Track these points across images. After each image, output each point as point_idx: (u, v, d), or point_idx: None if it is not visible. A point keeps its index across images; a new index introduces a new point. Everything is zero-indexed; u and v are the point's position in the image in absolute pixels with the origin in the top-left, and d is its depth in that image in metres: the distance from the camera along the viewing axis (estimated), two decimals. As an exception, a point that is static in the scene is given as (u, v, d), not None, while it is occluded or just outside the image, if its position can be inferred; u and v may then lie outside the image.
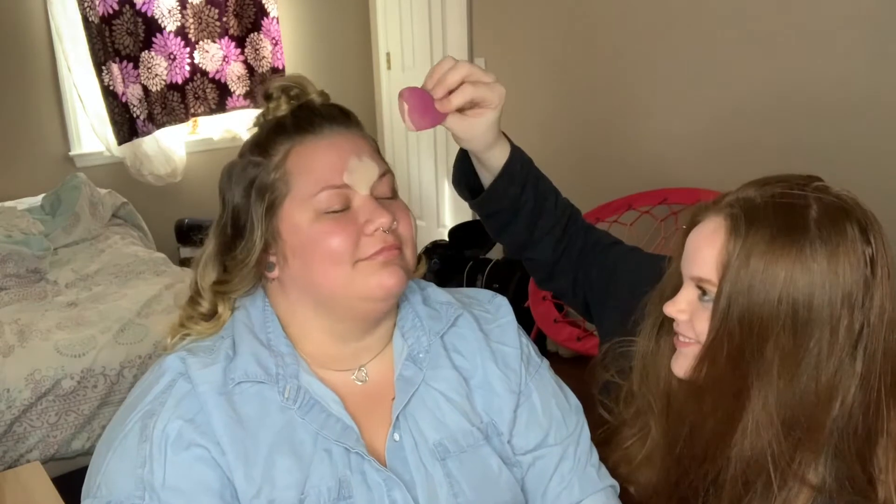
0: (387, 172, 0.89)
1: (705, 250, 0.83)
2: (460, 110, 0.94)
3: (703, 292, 0.84)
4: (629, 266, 1.08)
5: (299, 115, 0.88)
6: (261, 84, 3.88)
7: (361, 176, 0.85)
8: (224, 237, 0.89)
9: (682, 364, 0.88)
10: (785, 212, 0.79)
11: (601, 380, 1.02)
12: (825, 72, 2.26)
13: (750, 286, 0.79)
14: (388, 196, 0.89)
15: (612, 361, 1.01)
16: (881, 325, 0.80)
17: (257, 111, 3.54)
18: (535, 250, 1.10)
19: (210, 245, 0.90)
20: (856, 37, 2.17)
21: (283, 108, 0.89)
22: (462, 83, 0.91)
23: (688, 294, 0.86)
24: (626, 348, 0.99)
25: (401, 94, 0.90)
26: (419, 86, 0.92)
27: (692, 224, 0.88)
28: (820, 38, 2.26)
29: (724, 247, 0.81)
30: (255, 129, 0.92)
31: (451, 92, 0.91)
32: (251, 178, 0.86)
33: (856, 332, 0.79)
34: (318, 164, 0.85)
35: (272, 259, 0.87)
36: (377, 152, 0.90)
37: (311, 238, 0.83)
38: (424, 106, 0.91)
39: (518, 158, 1.03)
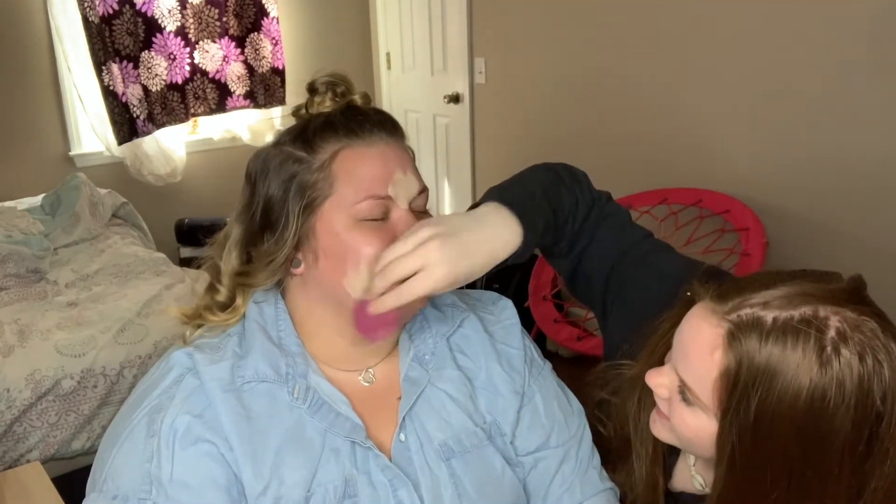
0: (424, 189, 0.89)
1: (696, 365, 0.77)
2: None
3: (684, 394, 0.80)
4: (639, 283, 1.01)
5: (350, 117, 0.87)
6: (261, 84, 3.88)
7: (404, 190, 0.86)
8: (251, 226, 0.88)
9: (658, 430, 0.87)
10: (794, 350, 0.70)
11: (596, 397, 1.01)
12: (831, 76, 2.26)
13: (753, 440, 0.73)
14: (422, 211, 0.89)
15: (608, 381, 1.00)
16: (886, 481, 0.73)
17: (257, 111, 3.55)
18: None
19: (235, 231, 0.89)
20: (858, 36, 2.17)
21: (328, 105, 0.88)
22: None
23: (673, 377, 0.81)
24: (621, 370, 0.98)
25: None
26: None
27: (692, 300, 0.81)
28: (822, 40, 2.26)
29: (718, 381, 0.74)
30: (278, 125, 0.91)
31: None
32: (292, 173, 0.85)
33: (854, 490, 0.74)
34: (364, 173, 0.84)
35: (299, 256, 0.87)
36: (415, 166, 0.90)
37: (347, 244, 0.83)
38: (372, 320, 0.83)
39: (538, 233, 0.91)
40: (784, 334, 0.71)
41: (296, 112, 0.91)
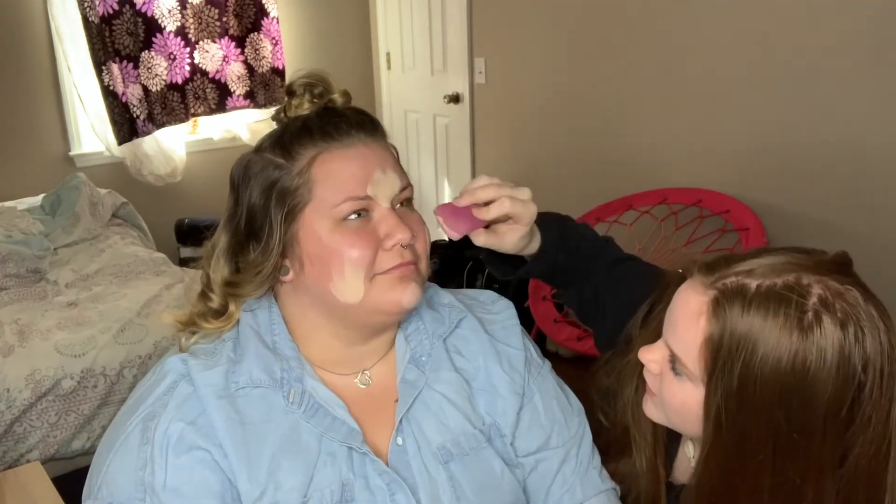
0: (407, 186, 0.88)
1: (683, 333, 0.78)
2: (492, 224, 0.94)
3: (674, 365, 0.81)
4: (625, 287, 1.05)
5: (326, 119, 0.86)
6: (261, 84, 3.88)
7: (384, 189, 0.85)
8: (237, 234, 0.87)
9: (649, 410, 0.88)
10: (776, 315, 0.72)
11: (602, 386, 1.01)
12: (832, 75, 2.26)
13: (738, 403, 0.75)
14: (407, 209, 0.89)
15: (613, 369, 1.00)
16: (869, 448, 0.74)
17: (257, 111, 3.56)
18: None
19: (222, 239, 0.89)
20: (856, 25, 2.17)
21: (306, 107, 0.87)
22: (499, 198, 0.91)
23: (664, 350, 0.82)
24: (627, 358, 0.98)
25: (435, 211, 0.93)
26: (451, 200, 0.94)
27: (682, 276, 0.82)
28: (823, 38, 2.26)
29: (703, 347, 0.76)
30: (275, 125, 0.90)
31: (487, 204, 0.92)
32: (272, 181, 0.84)
33: (838, 456, 0.75)
34: (343, 175, 0.83)
35: (287, 263, 0.86)
36: (398, 163, 0.89)
37: (331, 248, 0.83)
38: (457, 215, 0.92)
39: (551, 246, 1.01)
40: (767, 300, 0.73)
41: (275, 116, 0.90)
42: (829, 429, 0.73)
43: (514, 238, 0.95)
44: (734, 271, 0.76)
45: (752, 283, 0.74)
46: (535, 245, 1.00)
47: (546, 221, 1.01)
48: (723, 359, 0.75)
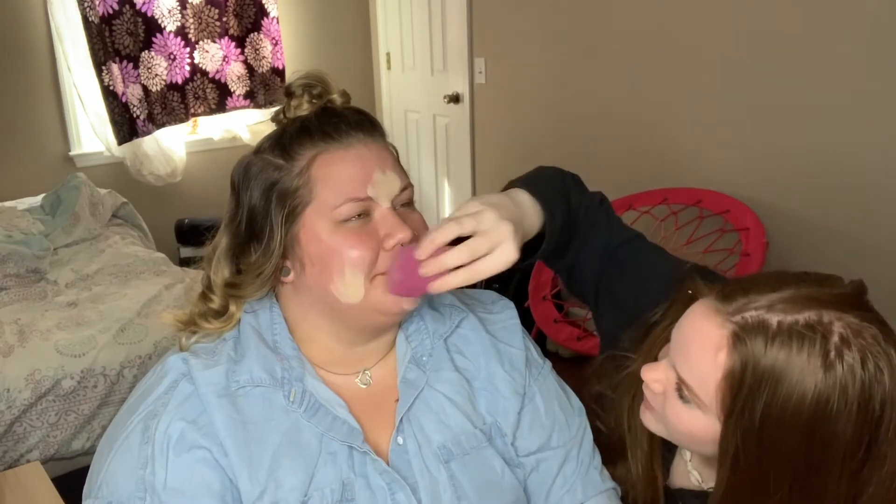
0: (408, 186, 0.88)
1: (698, 364, 0.77)
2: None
3: (681, 392, 0.80)
4: (637, 270, 1.02)
5: (325, 120, 0.86)
6: (261, 84, 3.88)
7: (384, 189, 0.85)
8: (238, 236, 0.88)
9: (648, 421, 0.87)
10: (800, 353, 0.71)
11: (595, 391, 1.01)
12: (830, 76, 2.26)
13: (758, 443, 0.74)
14: (407, 208, 0.89)
15: (606, 375, 1.00)
16: (881, 488, 0.74)
17: (257, 111, 3.55)
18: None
19: (223, 241, 0.89)
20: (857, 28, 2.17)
21: (305, 108, 0.87)
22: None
23: (668, 372, 0.81)
24: (621, 363, 0.98)
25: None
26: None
27: (694, 296, 0.81)
28: (822, 40, 2.26)
29: (722, 382, 0.74)
30: (274, 126, 0.90)
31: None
32: (272, 182, 0.84)
33: (853, 494, 0.75)
34: (343, 176, 0.83)
35: (288, 264, 0.86)
36: (398, 163, 0.89)
37: (331, 248, 0.83)
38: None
39: (558, 223, 0.94)
40: (789, 338, 0.72)
41: (274, 117, 0.90)
42: (847, 467, 0.73)
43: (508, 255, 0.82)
44: (754, 305, 0.74)
45: (774, 319, 0.73)
46: (531, 231, 0.92)
47: (548, 198, 0.94)
48: (744, 397, 0.73)
